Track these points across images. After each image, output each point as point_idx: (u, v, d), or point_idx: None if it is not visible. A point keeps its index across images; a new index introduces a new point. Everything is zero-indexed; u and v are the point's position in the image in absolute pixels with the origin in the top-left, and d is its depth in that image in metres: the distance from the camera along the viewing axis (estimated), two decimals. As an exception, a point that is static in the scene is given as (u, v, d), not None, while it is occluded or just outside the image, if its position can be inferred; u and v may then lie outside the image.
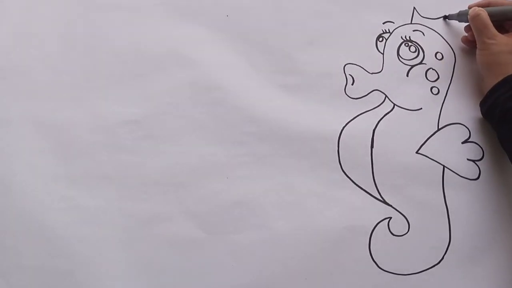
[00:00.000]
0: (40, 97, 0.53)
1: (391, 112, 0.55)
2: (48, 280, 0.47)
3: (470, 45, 0.57)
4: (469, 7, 0.57)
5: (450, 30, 0.59)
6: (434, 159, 0.53)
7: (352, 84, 0.56)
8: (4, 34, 0.55)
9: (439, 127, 0.55)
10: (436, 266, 0.49)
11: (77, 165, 0.51)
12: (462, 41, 0.58)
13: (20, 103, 0.53)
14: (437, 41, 0.59)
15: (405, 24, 0.59)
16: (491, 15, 0.53)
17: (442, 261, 0.50)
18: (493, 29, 0.53)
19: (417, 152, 0.53)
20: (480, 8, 0.54)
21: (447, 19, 0.60)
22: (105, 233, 0.49)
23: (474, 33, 0.54)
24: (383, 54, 0.58)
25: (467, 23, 0.57)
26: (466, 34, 0.58)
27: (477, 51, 0.54)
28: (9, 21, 0.56)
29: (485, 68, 0.54)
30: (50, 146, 0.51)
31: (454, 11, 0.59)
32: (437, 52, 0.58)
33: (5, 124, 0.52)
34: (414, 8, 0.60)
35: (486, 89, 0.53)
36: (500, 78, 0.51)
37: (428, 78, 0.57)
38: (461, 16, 0.57)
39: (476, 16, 0.53)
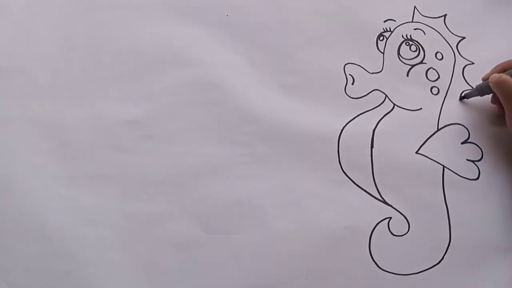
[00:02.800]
0: (40, 97, 0.53)
1: (391, 112, 0.55)
2: (48, 280, 0.47)
3: (504, 114, 0.52)
4: (484, 79, 0.53)
5: (449, 30, 0.59)
6: (434, 159, 0.53)
7: (352, 84, 0.56)
8: (4, 34, 0.55)
9: (439, 127, 0.55)
10: (436, 266, 0.49)
11: (77, 165, 0.51)
12: (496, 115, 0.54)
13: (20, 103, 0.53)
14: (437, 41, 0.58)
15: (407, 22, 0.59)
16: None
17: (442, 261, 0.49)
18: None
19: (417, 152, 0.53)
20: (502, 74, 0.50)
21: (465, 99, 0.55)
22: (105, 233, 0.49)
23: (502, 100, 0.50)
24: (383, 53, 0.57)
25: (491, 94, 0.53)
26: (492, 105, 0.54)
27: (507, 119, 0.50)
28: (9, 21, 0.56)
29: None
30: (50, 146, 0.51)
31: (455, 10, 0.59)
32: (437, 52, 0.58)
33: (5, 124, 0.52)
34: (415, 7, 0.60)
35: None
36: None
37: (428, 78, 0.57)
38: (481, 90, 0.53)
39: (503, 83, 0.49)
